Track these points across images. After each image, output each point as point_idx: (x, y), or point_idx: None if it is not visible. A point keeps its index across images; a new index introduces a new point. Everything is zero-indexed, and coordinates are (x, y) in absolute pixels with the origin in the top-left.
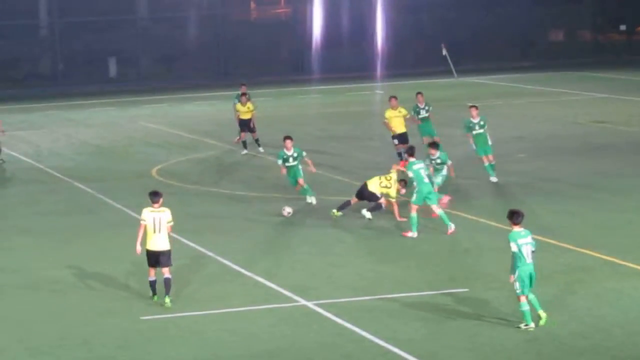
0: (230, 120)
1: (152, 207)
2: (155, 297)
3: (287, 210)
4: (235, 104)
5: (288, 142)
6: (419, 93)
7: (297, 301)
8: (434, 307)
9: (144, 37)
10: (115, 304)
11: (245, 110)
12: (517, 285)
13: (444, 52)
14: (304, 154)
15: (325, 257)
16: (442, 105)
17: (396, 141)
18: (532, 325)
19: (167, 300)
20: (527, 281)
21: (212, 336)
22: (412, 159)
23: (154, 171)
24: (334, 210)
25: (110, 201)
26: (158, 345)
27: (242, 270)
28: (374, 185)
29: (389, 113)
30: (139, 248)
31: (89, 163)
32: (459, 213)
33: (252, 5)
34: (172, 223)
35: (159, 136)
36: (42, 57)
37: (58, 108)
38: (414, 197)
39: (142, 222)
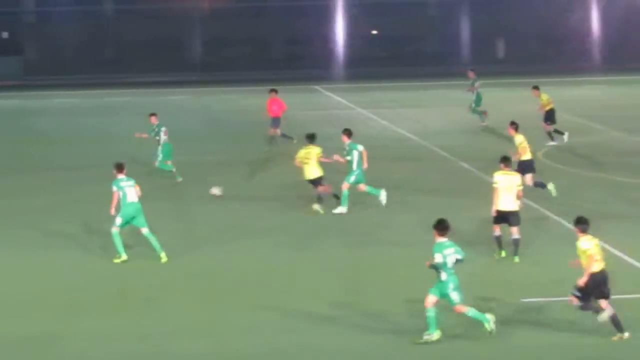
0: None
1: (504, 170)
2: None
3: (215, 191)
4: None
5: None
6: None
7: None
8: None
9: (533, 18)
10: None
11: None
12: (456, 295)
13: None
14: None
15: None
16: None
17: None
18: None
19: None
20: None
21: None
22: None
23: (540, 153)
24: None
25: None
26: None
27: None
28: None
29: None
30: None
31: (474, 142)
32: None
33: None
34: (521, 187)
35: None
36: (428, 36)
37: (446, 87)
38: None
39: (494, 185)
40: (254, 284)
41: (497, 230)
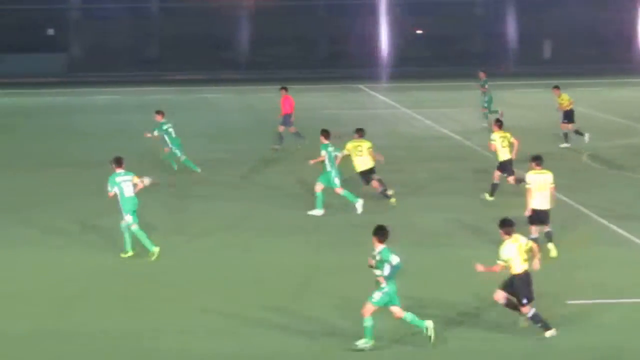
0: None
1: (536, 169)
2: None
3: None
4: None
5: None
6: None
7: None
8: None
9: (579, 19)
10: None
11: None
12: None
13: None
14: None
15: None
16: None
17: None
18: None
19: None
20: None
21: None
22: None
23: (584, 155)
24: None
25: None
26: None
27: None
28: None
29: None
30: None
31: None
32: None
33: None
34: (554, 185)
35: (589, 119)
36: (473, 36)
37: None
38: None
39: (527, 185)
40: (271, 283)
41: (534, 232)
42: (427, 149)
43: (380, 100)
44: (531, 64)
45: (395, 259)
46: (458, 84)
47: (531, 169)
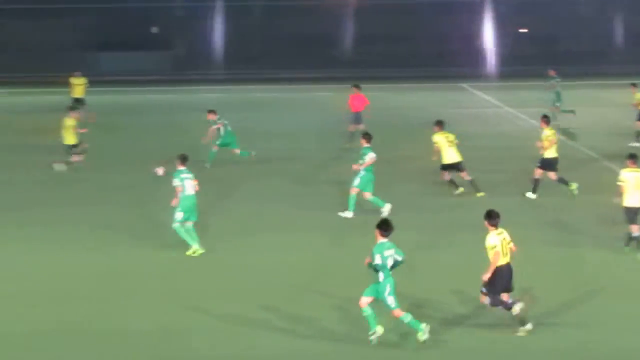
0: None
1: (631, 167)
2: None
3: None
4: None
5: None
6: None
7: None
8: None
9: None
10: None
11: None
12: (392, 300)
13: None
14: None
15: None
16: None
17: None
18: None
19: None
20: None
21: None
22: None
23: None
24: None
25: None
26: None
27: None
28: None
29: None
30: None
31: (620, 143)
32: None
33: None
34: None
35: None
36: (580, 35)
37: (596, 87)
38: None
39: (621, 182)
40: (320, 280)
41: (635, 230)
42: (530, 148)
43: (484, 99)
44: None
45: (378, 258)
46: (564, 84)
47: (626, 166)
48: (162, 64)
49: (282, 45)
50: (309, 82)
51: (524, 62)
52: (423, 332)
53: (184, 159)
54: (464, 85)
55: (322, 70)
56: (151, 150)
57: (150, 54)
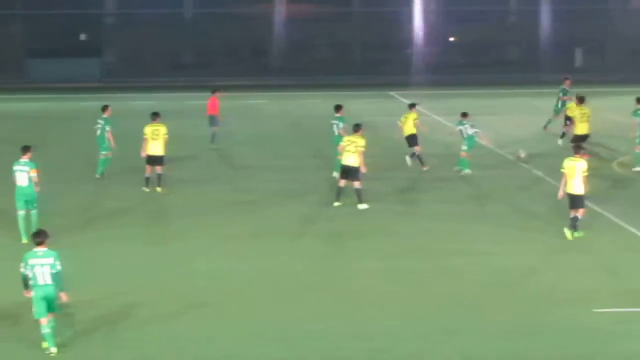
0: None
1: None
2: None
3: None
4: None
5: None
6: None
7: None
8: None
9: (612, 28)
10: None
11: None
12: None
13: None
14: None
15: None
16: None
17: None
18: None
19: None
20: (42, 304)
21: None
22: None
23: (614, 163)
24: None
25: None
26: (613, 338)
27: None
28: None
29: None
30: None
31: (549, 150)
32: None
33: None
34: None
35: (620, 128)
36: (508, 43)
37: (523, 95)
38: None
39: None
40: (327, 288)
41: (580, 213)
42: (455, 156)
43: None
44: (563, 71)
45: (22, 267)
46: (492, 92)
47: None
48: (91, 70)
49: (214, 53)
50: (242, 89)
51: (453, 70)
52: (51, 346)
53: (24, 150)
54: (393, 93)
55: (254, 78)
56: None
57: (79, 61)
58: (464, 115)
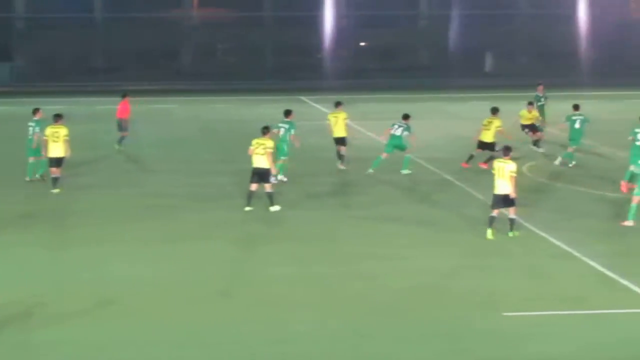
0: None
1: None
2: None
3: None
4: None
5: None
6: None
7: None
8: None
9: (521, 34)
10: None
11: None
12: None
13: None
14: None
15: None
16: None
17: None
18: None
19: None
20: None
21: (575, 336)
22: None
23: (525, 168)
24: None
25: (478, 195)
26: (522, 341)
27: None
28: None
29: None
30: None
31: (461, 156)
32: None
33: None
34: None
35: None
36: (419, 48)
37: (436, 100)
38: None
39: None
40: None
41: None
42: (369, 160)
43: (323, 112)
44: (473, 77)
45: None
46: (403, 96)
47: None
48: (1, 75)
49: (125, 58)
50: (153, 94)
51: (364, 75)
52: None
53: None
54: (303, 98)
55: (165, 82)
56: None
57: None
58: (406, 117)
